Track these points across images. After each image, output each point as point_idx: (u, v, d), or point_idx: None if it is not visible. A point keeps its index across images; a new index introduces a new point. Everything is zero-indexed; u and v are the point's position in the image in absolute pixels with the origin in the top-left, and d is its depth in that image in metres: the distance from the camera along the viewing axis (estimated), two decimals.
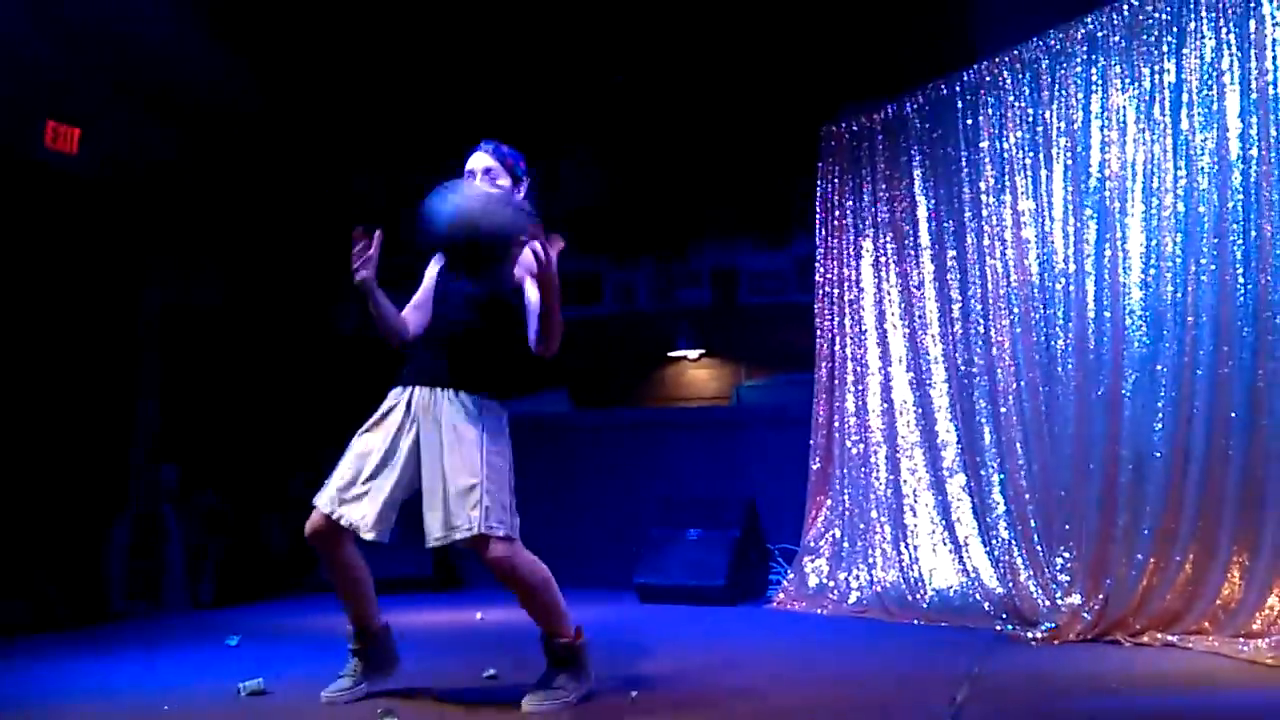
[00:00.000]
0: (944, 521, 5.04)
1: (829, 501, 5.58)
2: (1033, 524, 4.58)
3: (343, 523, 3.12)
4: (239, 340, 7.17)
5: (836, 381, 5.64)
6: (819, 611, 5.23)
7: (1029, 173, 4.76)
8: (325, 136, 7.15)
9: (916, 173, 5.35)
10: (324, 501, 3.14)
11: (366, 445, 3.18)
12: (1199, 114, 4.12)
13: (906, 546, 5.13)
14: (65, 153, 5.92)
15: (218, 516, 6.37)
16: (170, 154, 6.51)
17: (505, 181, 3.27)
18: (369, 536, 3.12)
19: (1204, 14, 4.11)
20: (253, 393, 7.12)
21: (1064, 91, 4.61)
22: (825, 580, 5.40)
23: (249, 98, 6.58)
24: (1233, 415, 3.88)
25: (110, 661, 4.14)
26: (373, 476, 3.13)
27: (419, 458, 3.12)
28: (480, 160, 3.29)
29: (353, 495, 3.13)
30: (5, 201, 5.63)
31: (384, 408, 3.23)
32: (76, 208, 6.03)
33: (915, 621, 4.83)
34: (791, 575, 5.58)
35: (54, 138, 5.94)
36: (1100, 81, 4.48)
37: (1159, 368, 4.17)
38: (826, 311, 5.74)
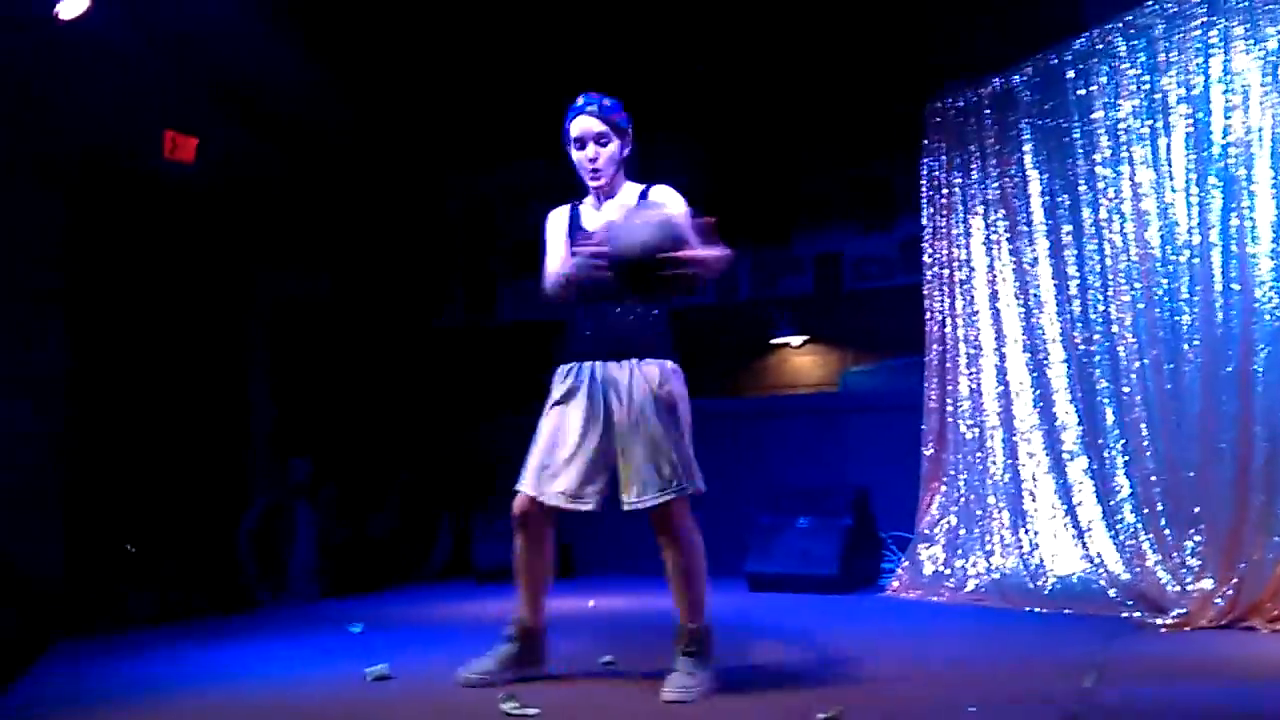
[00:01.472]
0: (1065, 506, 4.89)
1: (943, 488, 5.47)
2: (1160, 507, 4.42)
3: (547, 502, 3.17)
4: (346, 336, 7.37)
5: (948, 365, 5.52)
6: (935, 599, 5.13)
7: (1147, 142, 4.57)
8: (423, 137, 7.30)
9: (1027, 147, 5.20)
10: (527, 484, 3.20)
11: (556, 422, 3.20)
12: None
13: (1026, 532, 4.99)
14: (184, 162, 6.16)
15: (341, 508, 6.56)
16: (276, 160, 6.71)
17: (614, 145, 3.26)
18: (580, 507, 3.16)
19: None
20: (360, 387, 7.32)
21: (1182, 56, 4.43)
22: (941, 568, 5.30)
23: (346, 101, 6.75)
24: None
25: (239, 649, 4.29)
26: (570, 453, 3.16)
27: (611, 427, 3.14)
28: (587, 125, 3.26)
29: (550, 474, 3.17)
30: (126, 208, 5.89)
31: (565, 384, 3.23)
32: (191, 214, 6.27)
33: (1036, 609, 4.70)
34: (906, 563, 5.49)
35: (173, 148, 6.17)
36: (1221, 43, 4.29)
37: None
38: (936, 293, 5.62)
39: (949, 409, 5.49)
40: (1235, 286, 4.17)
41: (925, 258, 5.70)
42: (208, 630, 4.86)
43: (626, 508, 3.11)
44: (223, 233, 6.54)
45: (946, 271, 5.58)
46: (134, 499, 5.68)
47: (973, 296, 5.44)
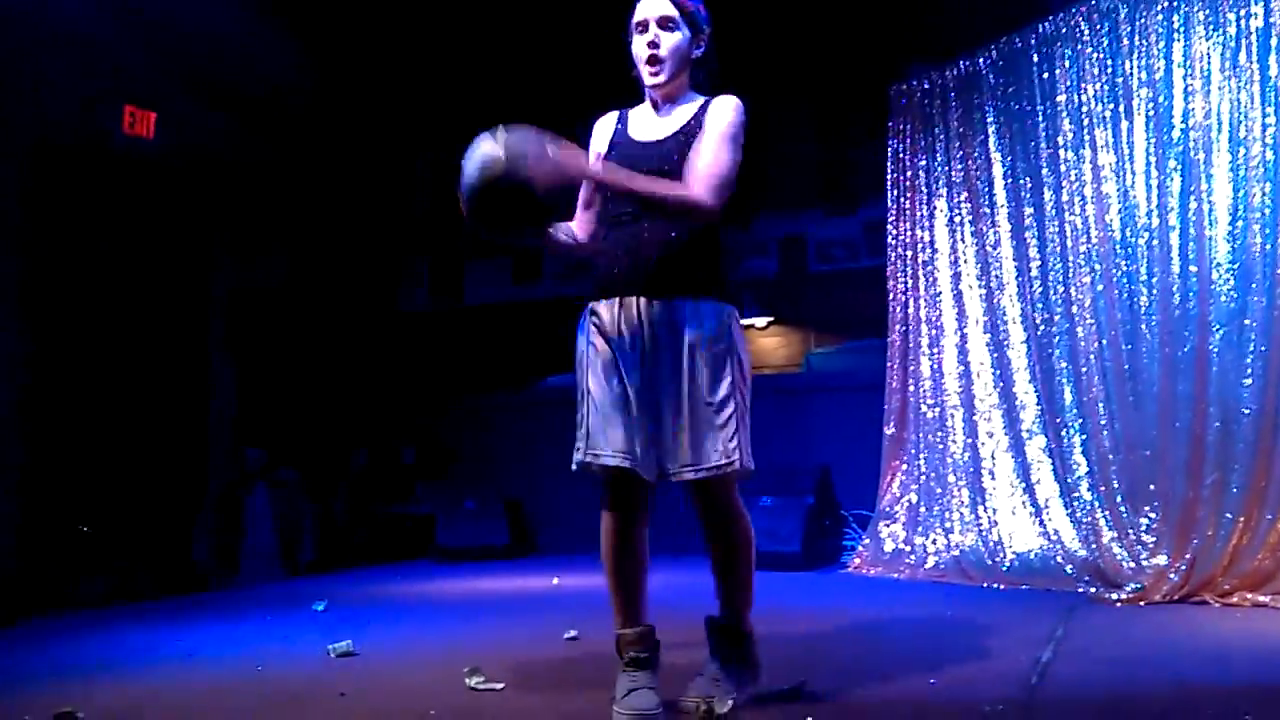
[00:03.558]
0: (1024, 484, 4.96)
1: (904, 466, 5.53)
2: (1116, 485, 4.50)
3: (646, 475, 2.54)
4: (308, 318, 7.31)
5: (911, 345, 5.58)
6: (895, 576, 5.19)
7: (1108, 125, 4.63)
8: (387, 117, 7.23)
9: (991, 129, 5.24)
10: (607, 455, 2.53)
11: (604, 380, 2.57)
12: None
13: (985, 510, 5.07)
14: (142, 137, 6.07)
15: (301, 490, 6.53)
16: (236, 138, 6.63)
17: (680, 35, 2.64)
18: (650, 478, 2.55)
19: None
20: (322, 370, 7.27)
21: (1144, 40, 4.48)
22: (901, 545, 5.36)
23: (311, 80, 6.67)
24: None
25: (200, 629, 4.26)
26: (629, 413, 2.54)
27: (660, 379, 2.55)
28: (654, 6, 2.64)
29: (641, 440, 2.53)
30: (84, 187, 5.79)
31: (595, 333, 2.61)
32: (149, 192, 6.18)
33: (995, 585, 4.77)
34: (867, 540, 5.55)
35: (132, 122, 6.09)
36: (1182, 29, 4.35)
37: (1247, 322, 4.06)
38: (899, 274, 5.67)
39: (910, 389, 5.55)
40: (1193, 269, 4.24)
41: (889, 239, 5.74)
42: (165, 611, 4.82)
43: (673, 477, 2.54)
44: (183, 211, 6.46)
45: (910, 253, 5.62)
46: (91, 482, 5.61)
47: (935, 278, 5.49)
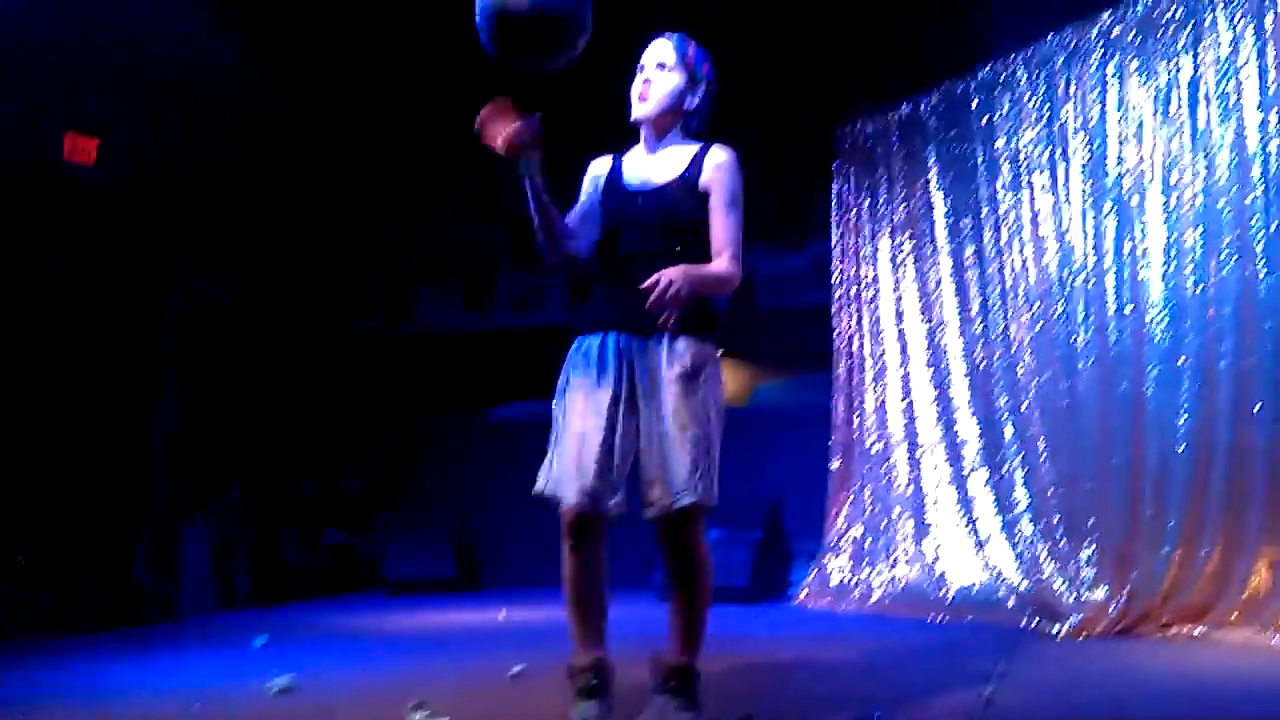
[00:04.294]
0: (966, 518, 5.04)
1: (850, 500, 5.59)
2: (1056, 519, 4.58)
3: (610, 512, 2.59)
4: (257, 342, 7.21)
5: (855, 381, 5.66)
6: (842, 609, 5.23)
7: (1046, 169, 4.77)
8: (340, 136, 7.18)
9: (933, 171, 5.37)
10: (569, 492, 2.57)
11: (581, 413, 2.62)
12: (1216, 108, 4.13)
13: (929, 543, 5.13)
14: (84, 164, 5.98)
15: (243, 518, 6.42)
16: (186, 157, 6.54)
17: (675, 77, 2.73)
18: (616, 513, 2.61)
19: (1220, 8, 4.13)
20: (267, 395, 7.16)
21: (1080, 88, 4.63)
22: (848, 578, 5.41)
23: (264, 99, 6.62)
24: (1257, 406, 3.88)
25: (139, 662, 4.17)
26: (603, 449, 2.58)
27: (635, 414, 2.62)
28: (655, 50, 2.76)
29: (599, 476, 2.57)
30: (26, 212, 5.69)
31: (580, 365, 2.68)
32: (93, 216, 6.08)
33: (939, 618, 4.83)
34: (814, 574, 5.59)
35: (72, 150, 6.00)
36: (1116, 77, 4.50)
37: (1181, 361, 4.17)
38: (844, 311, 5.76)
39: (856, 423, 5.62)
40: (1128, 309, 4.36)
41: (834, 277, 5.84)
42: (101, 644, 4.71)
43: (648, 514, 2.60)
44: (129, 235, 6.36)
45: (855, 290, 5.72)
46: (29, 509, 5.47)
47: (879, 315, 5.59)
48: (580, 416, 2.62)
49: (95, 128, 5.95)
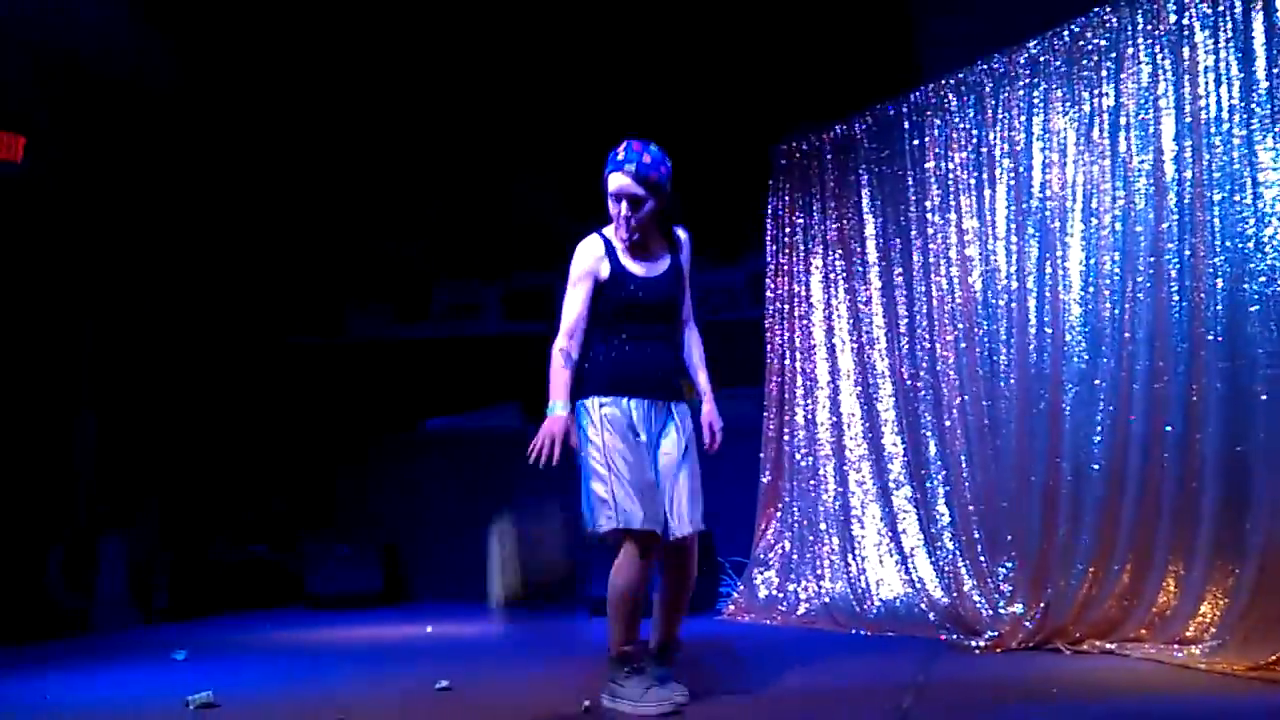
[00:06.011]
0: (890, 532, 5.12)
1: (778, 514, 5.65)
2: (976, 535, 4.68)
3: (677, 535, 3.31)
4: (182, 353, 7.07)
5: (786, 395, 5.72)
6: (768, 622, 5.28)
7: (973, 192, 4.87)
8: (273, 148, 7.09)
9: (865, 191, 5.45)
10: (641, 523, 3.22)
11: (636, 465, 3.28)
12: (1136, 137, 4.25)
13: (854, 557, 5.21)
14: (10, 161, 5.84)
15: (164, 533, 6.29)
16: (114, 164, 6.42)
17: (646, 203, 3.32)
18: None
19: (1141, 41, 4.25)
20: (194, 407, 7.04)
21: (1007, 114, 4.74)
22: (775, 591, 5.46)
23: (198, 111, 6.52)
24: (1168, 429, 4.00)
25: (55, 676, 4.07)
26: (658, 490, 3.31)
27: (668, 463, 3.35)
28: (623, 185, 3.30)
29: (658, 506, 3.29)
30: None
31: (621, 425, 3.30)
32: (18, 218, 5.94)
33: (862, 631, 4.91)
34: (741, 587, 5.64)
35: None
36: (1042, 104, 4.61)
37: (1097, 382, 4.28)
38: (777, 327, 5.82)
39: (785, 438, 5.68)
40: (1048, 330, 4.47)
41: (768, 292, 5.90)
42: (16, 658, 4.59)
43: (679, 534, 3.30)
44: (52, 239, 6.21)
45: (787, 307, 5.79)
46: None
47: (810, 331, 5.66)
48: (638, 469, 3.26)
49: (21, 126, 5.82)
